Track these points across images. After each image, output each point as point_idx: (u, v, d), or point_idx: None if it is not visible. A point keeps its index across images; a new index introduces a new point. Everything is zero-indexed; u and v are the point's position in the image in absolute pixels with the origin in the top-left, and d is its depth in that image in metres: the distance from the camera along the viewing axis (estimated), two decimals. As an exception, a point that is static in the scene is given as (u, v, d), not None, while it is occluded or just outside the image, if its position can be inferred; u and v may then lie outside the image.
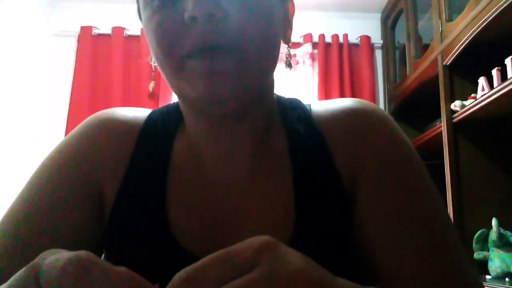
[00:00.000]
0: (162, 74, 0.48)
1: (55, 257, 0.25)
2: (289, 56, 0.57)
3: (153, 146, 0.53)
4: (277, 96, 0.58)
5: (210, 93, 0.43)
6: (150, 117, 0.56)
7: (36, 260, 0.27)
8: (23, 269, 0.27)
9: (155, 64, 0.48)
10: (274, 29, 0.47)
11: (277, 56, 0.49)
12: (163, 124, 0.55)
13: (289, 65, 0.57)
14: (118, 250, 0.50)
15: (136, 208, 0.50)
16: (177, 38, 0.43)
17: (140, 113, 0.57)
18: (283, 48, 0.54)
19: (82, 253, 0.25)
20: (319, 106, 0.56)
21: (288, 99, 0.58)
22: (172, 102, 0.60)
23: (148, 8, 0.45)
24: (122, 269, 0.25)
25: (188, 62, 0.43)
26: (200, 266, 0.25)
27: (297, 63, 2.79)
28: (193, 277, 0.25)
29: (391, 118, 0.54)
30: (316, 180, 0.49)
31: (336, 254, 0.47)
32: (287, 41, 0.54)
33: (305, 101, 0.59)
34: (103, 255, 0.54)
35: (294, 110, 0.55)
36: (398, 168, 0.48)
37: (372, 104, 0.55)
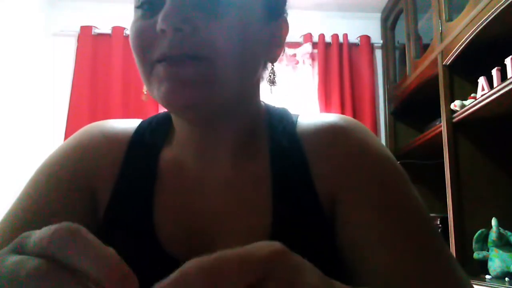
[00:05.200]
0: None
1: (44, 228, 0.26)
2: (273, 73, 0.58)
3: (141, 156, 0.56)
4: (266, 105, 0.60)
5: (172, 98, 0.46)
6: (139, 128, 0.59)
7: (19, 237, 0.27)
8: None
9: None
10: (249, 46, 0.48)
11: (254, 69, 0.51)
12: (151, 135, 0.58)
13: (272, 82, 0.58)
14: None
15: (126, 213, 0.52)
16: (149, 46, 0.46)
17: (130, 124, 0.60)
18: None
19: (77, 225, 0.25)
20: (305, 119, 0.58)
21: (277, 109, 0.60)
22: (160, 112, 0.62)
23: (134, 15, 0.49)
24: (110, 249, 0.25)
25: (156, 67, 0.46)
26: (216, 263, 0.23)
27: (297, 62, 2.79)
28: (210, 272, 0.23)
29: (372, 134, 0.56)
30: (294, 189, 0.52)
31: (314, 257, 0.48)
32: (273, 60, 0.55)
33: (294, 111, 0.61)
34: None
35: (280, 121, 0.57)
36: (378, 182, 0.50)
37: (354, 120, 0.57)
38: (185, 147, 0.55)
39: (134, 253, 0.50)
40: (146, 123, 0.60)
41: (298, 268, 0.25)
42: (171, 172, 0.55)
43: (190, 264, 0.23)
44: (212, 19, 0.45)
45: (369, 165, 0.51)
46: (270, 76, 0.58)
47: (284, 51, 0.57)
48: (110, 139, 0.57)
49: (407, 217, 0.48)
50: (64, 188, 0.52)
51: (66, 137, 2.57)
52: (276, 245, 0.25)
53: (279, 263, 0.24)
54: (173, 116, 0.56)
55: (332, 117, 0.56)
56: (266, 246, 0.25)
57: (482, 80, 1.72)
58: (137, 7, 0.48)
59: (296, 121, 0.57)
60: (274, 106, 0.61)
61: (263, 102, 0.60)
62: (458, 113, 1.85)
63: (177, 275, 0.23)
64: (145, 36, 0.47)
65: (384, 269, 0.45)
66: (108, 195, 0.53)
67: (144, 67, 0.48)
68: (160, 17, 0.44)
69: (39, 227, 0.48)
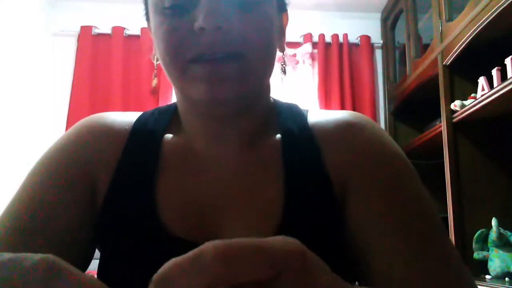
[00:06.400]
0: (166, 74, 0.51)
1: (19, 256, 0.23)
2: (284, 63, 0.62)
3: (143, 142, 0.56)
4: (274, 99, 0.61)
5: (212, 96, 0.47)
6: (140, 118, 0.59)
7: None
8: None
9: (158, 63, 0.53)
10: (273, 39, 0.52)
11: (274, 63, 0.54)
12: (154, 123, 0.58)
13: (283, 71, 0.62)
14: (110, 240, 0.52)
15: (127, 197, 0.52)
16: (184, 45, 0.47)
17: (130, 116, 0.60)
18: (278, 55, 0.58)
19: (51, 256, 0.24)
20: (316, 113, 0.59)
21: (286, 103, 0.62)
22: (164, 105, 0.63)
23: (158, 14, 0.49)
24: (89, 277, 0.24)
25: (191, 66, 0.47)
26: (234, 248, 0.22)
27: (297, 62, 2.79)
28: (226, 256, 0.22)
29: (384, 131, 0.57)
30: (306, 176, 0.52)
31: (323, 246, 0.47)
32: (282, 49, 0.58)
33: (303, 106, 0.62)
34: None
35: (290, 113, 0.59)
36: (388, 175, 0.50)
37: (366, 117, 0.58)
38: (194, 136, 0.55)
39: (138, 237, 0.50)
40: (149, 113, 0.60)
41: (313, 269, 0.25)
42: (175, 155, 0.55)
43: (207, 245, 0.23)
44: (245, 16, 0.47)
45: (381, 158, 0.52)
46: (282, 65, 0.61)
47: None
48: (110, 129, 0.57)
49: (414, 211, 0.48)
50: (63, 179, 0.52)
51: (66, 137, 2.58)
52: (296, 243, 0.25)
53: (296, 261, 0.24)
54: (184, 108, 0.56)
55: (342, 113, 0.57)
56: (286, 243, 0.24)
57: (482, 80, 1.72)
58: (165, 8, 0.48)
59: (306, 114, 0.59)
60: (282, 101, 0.62)
61: (272, 97, 0.61)
62: (458, 113, 1.84)
63: (193, 253, 0.22)
64: (178, 35, 0.47)
65: (386, 265, 0.45)
66: (109, 181, 0.53)
67: (175, 67, 0.49)
68: (201, 16, 0.45)
69: (39, 222, 0.48)
